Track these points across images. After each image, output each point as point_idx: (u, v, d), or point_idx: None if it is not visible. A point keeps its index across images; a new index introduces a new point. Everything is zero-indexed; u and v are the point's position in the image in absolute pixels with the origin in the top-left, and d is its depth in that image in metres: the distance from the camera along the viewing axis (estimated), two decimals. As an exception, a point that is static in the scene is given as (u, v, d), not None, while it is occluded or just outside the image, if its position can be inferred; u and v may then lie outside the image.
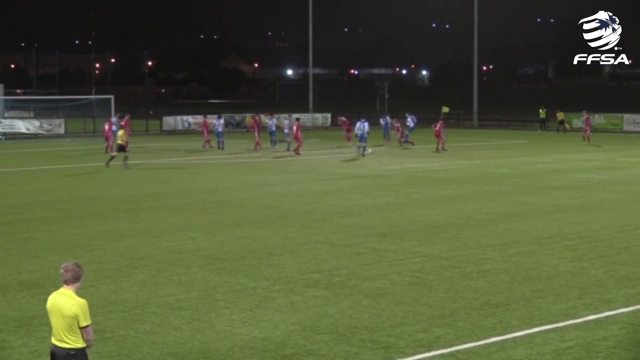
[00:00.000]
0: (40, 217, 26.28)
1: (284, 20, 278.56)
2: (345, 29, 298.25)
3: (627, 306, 15.69)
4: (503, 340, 13.72)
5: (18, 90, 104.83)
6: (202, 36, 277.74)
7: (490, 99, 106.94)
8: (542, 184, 35.28)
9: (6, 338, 13.91)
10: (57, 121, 70.72)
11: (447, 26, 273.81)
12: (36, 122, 70.23)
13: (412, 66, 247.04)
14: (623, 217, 26.20)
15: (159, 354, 13.13)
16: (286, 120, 57.48)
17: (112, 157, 43.07)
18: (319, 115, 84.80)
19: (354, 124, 51.55)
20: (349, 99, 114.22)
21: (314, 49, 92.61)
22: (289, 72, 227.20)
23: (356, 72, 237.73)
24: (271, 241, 22.21)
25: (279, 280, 17.81)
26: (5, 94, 74.82)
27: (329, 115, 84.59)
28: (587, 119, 60.95)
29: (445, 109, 73.50)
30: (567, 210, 27.71)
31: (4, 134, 65.51)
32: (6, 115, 71.85)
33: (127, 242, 22.01)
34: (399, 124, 57.03)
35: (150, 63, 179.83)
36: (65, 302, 9.75)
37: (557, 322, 14.68)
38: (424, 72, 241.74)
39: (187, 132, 73.47)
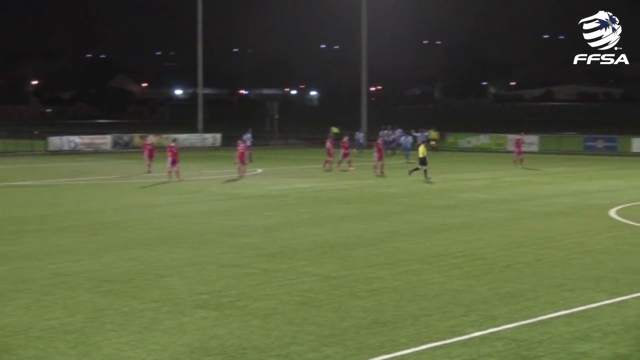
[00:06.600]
0: None
1: (173, 40, 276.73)
2: (235, 50, 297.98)
3: (511, 322, 16.00)
4: (391, 358, 13.85)
5: None
6: (89, 56, 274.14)
7: (380, 119, 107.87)
8: (430, 203, 35.81)
9: None
10: None
11: (336, 47, 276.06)
12: None
13: (302, 87, 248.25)
14: (506, 236, 26.77)
15: (43, 379, 12.86)
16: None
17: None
18: (208, 136, 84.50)
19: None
20: (239, 119, 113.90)
21: (203, 69, 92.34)
22: (178, 92, 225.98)
23: (246, 92, 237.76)
24: (159, 262, 22.00)
25: (168, 301, 17.65)
26: None
27: (218, 136, 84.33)
28: (518, 140, 58.36)
29: (335, 130, 74.11)
30: (454, 229, 28.20)
31: None
32: None
33: (11, 265, 21.51)
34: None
35: (35, 82, 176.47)
36: None
37: (444, 339, 14.88)
38: (313, 93, 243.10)
39: (74, 152, 72.35)
